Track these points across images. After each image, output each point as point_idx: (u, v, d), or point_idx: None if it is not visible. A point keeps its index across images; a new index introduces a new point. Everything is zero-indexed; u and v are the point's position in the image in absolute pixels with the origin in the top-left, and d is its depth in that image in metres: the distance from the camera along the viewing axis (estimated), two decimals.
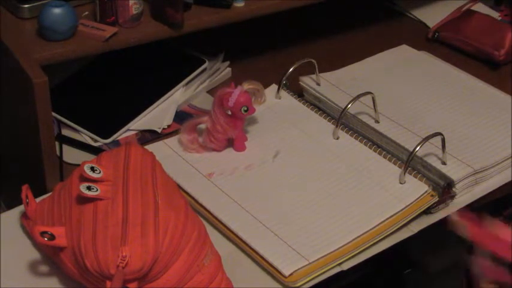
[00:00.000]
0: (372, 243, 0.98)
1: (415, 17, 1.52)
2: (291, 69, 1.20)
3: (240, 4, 1.20)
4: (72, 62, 1.13)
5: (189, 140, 1.10)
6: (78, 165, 0.92)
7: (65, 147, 1.13)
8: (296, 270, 0.92)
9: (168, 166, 1.00)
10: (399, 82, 1.28)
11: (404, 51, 1.37)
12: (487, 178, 1.09)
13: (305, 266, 0.93)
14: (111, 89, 1.25)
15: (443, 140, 1.07)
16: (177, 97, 1.23)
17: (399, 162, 1.08)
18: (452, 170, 1.06)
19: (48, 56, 1.06)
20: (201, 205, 1.01)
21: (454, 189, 1.06)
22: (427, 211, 1.03)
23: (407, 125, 1.15)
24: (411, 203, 1.02)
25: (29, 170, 1.10)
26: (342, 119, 1.14)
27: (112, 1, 1.10)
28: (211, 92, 1.27)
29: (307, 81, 1.24)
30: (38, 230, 0.85)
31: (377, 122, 1.16)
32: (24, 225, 0.96)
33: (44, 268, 0.92)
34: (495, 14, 1.50)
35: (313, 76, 1.24)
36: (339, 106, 1.17)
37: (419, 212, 1.02)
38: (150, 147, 1.09)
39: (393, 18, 1.52)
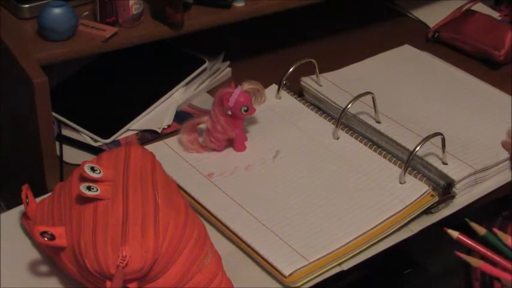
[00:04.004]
0: (371, 243, 0.98)
1: (415, 17, 1.52)
2: (291, 69, 1.20)
3: (240, 4, 1.20)
4: (72, 62, 1.13)
5: (189, 140, 1.10)
6: (78, 165, 0.92)
7: (65, 147, 1.13)
8: (296, 270, 0.92)
9: (168, 166, 1.00)
10: (399, 82, 1.28)
11: (405, 51, 1.37)
12: (487, 178, 1.09)
13: (305, 266, 0.93)
14: (111, 89, 1.25)
15: (443, 140, 1.07)
16: (177, 97, 1.23)
17: (399, 162, 1.08)
18: (452, 170, 1.06)
19: (48, 56, 1.06)
20: (201, 205, 1.01)
21: (454, 189, 1.05)
22: (427, 211, 1.03)
23: (407, 125, 1.15)
24: (411, 203, 1.02)
25: (29, 170, 1.10)
26: (342, 119, 1.13)
27: (112, 1, 1.10)
28: (211, 92, 1.27)
29: (307, 81, 1.24)
30: (38, 230, 0.85)
31: (377, 122, 1.15)
32: (24, 225, 0.96)
33: (44, 268, 0.92)
34: (495, 14, 1.50)
35: (314, 76, 1.24)
36: (339, 106, 1.17)
37: (419, 212, 1.02)
38: (150, 147, 1.08)
39: (393, 18, 1.52)
